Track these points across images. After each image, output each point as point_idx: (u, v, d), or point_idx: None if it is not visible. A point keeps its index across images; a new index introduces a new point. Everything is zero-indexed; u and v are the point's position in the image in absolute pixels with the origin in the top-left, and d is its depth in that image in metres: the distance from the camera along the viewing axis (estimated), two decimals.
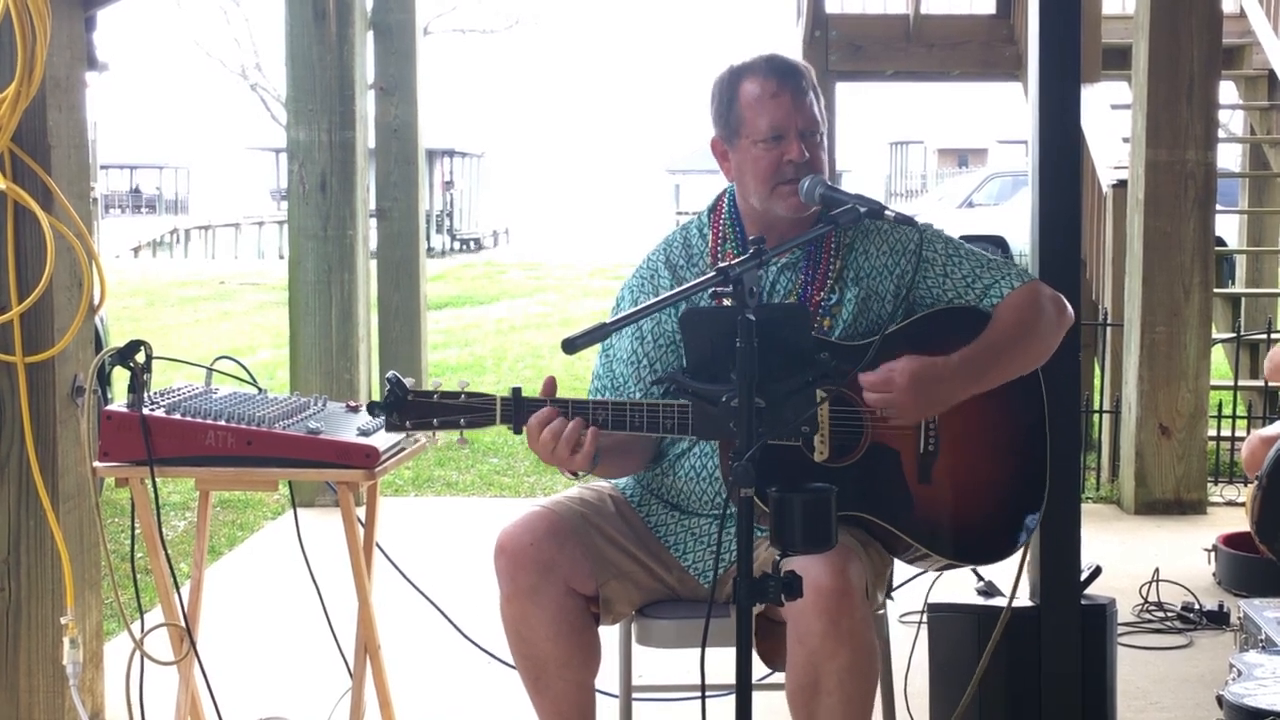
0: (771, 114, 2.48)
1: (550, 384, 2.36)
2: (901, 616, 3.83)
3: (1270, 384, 4.76)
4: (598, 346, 2.22)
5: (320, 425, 2.75)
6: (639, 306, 2.25)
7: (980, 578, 3.14)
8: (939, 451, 2.49)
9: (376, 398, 2.36)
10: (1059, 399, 2.62)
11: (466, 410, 2.32)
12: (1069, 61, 2.99)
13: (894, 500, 2.47)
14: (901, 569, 2.73)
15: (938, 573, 2.66)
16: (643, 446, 2.56)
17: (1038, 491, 2.58)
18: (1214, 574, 4.63)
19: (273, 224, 34.93)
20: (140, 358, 2.72)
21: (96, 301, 3.04)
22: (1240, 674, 2.99)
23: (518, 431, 2.34)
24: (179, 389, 2.88)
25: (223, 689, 3.12)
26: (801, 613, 2.28)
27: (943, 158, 42.97)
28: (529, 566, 2.44)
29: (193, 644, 2.91)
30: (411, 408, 2.32)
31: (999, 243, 14.38)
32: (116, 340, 3.42)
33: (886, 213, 2.38)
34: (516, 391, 2.34)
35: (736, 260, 2.17)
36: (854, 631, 2.27)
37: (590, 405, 2.34)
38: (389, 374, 2.34)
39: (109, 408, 2.71)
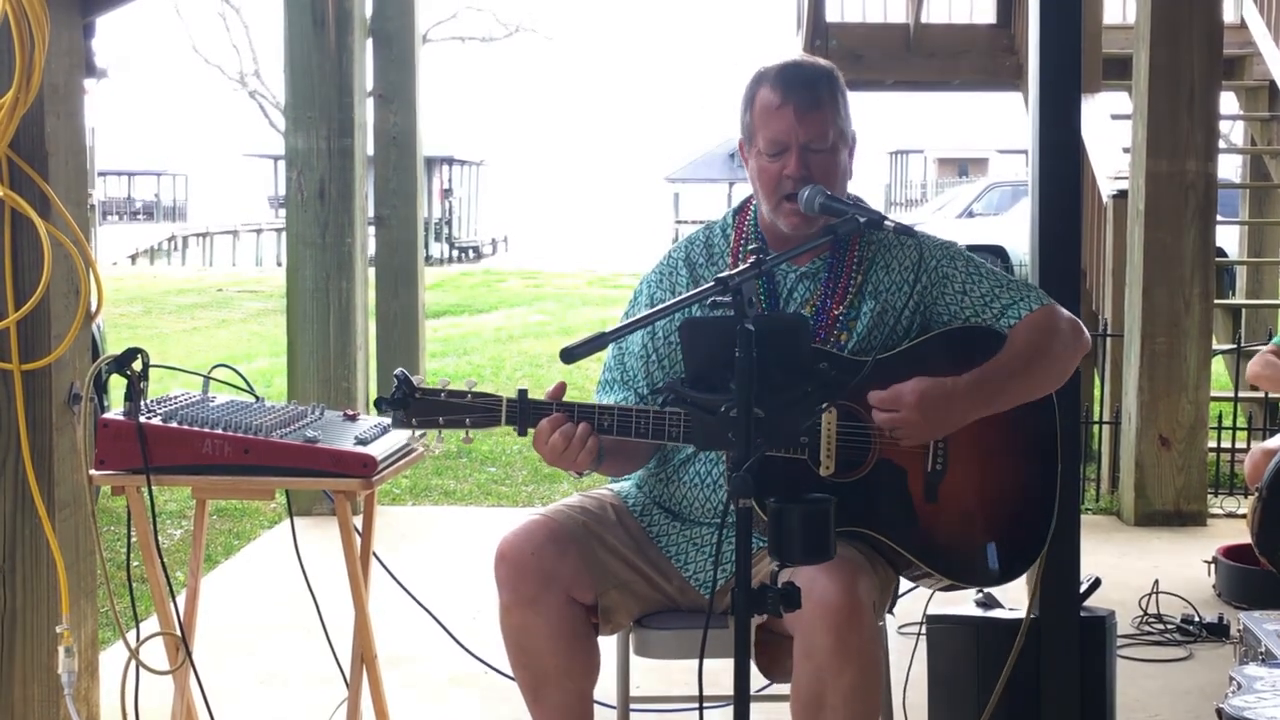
0: (774, 128, 2.47)
1: (560, 388, 2.36)
2: (900, 628, 3.82)
3: (1270, 395, 4.74)
4: None
5: (318, 434, 2.73)
6: (637, 316, 2.25)
7: (979, 589, 3.13)
8: (947, 470, 2.47)
9: (381, 399, 2.35)
10: (1060, 410, 2.60)
11: (472, 410, 2.32)
12: (1069, 71, 2.98)
13: (899, 518, 2.45)
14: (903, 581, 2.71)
15: (941, 591, 2.64)
16: (645, 447, 2.55)
17: (1046, 515, 2.55)
18: (1214, 586, 4.62)
19: (271, 231, 34.96)
20: (137, 365, 2.71)
21: (93, 309, 3.03)
22: (1240, 687, 2.98)
23: (522, 433, 2.34)
24: (176, 397, 2.87)
25: (218, 699, 3.10)
26: (809, 628, 2.26)
27: (943, 167, 43.05)
28: (530, 576, 2.43)
29: (188, 653, 2.89)
30: (418, 405, 2.31)
31: (999, 253, 14.40)
32: (113, 348, 3.41)
33: (886, 223, 2.37)
34: (522, 393, 2.34)
35: (735, 270, 2.16)
36: (862, 650, 2.26)
37: (596, 410, 2.34)
38: (397, 371, 2.33)
39: (105, 416, 2.70)
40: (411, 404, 2.31)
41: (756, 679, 2.30)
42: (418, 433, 2.53)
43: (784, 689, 2.42)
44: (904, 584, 2.66)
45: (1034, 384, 2.49)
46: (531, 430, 2.34)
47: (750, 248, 2.47)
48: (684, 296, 2.21)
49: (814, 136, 2.46)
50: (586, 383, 9.64)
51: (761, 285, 2.54)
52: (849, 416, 2.42)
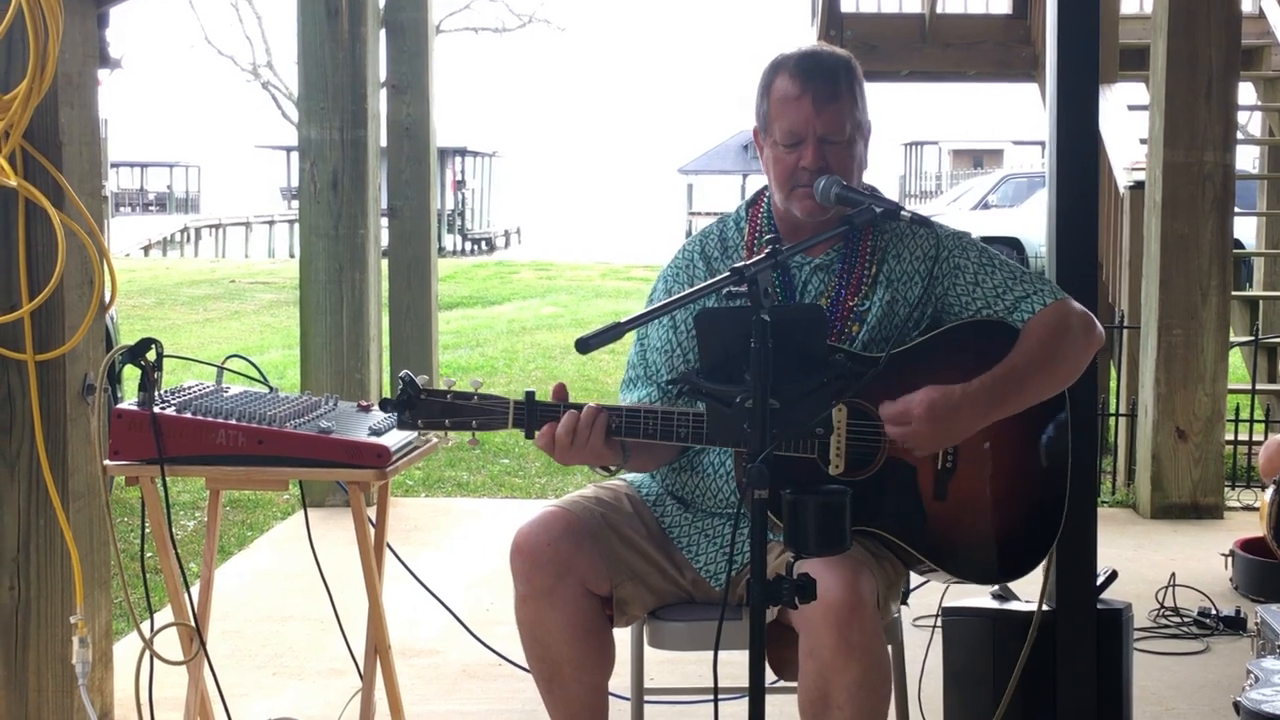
0: (791, 118, 2.44)
1: (560, 390, 2.34)
2: (915, 620, 3.81)
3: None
4: (630, 334, 2.20)
5: (331, 425, 2.73)
6: (652, 307, 2.24)
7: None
8: (956, 469, 2.45)
9: (389, 396, 2.35)
10: (1075, 402, 2.59)
11: (479, 412, 2.31)
12: (1087, 62, 2.96)
13: (908, 516, 2.44)
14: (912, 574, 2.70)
15: (955, 584, 2.63)
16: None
17: (1056, 513, 2.53)
18: (1231, 579, 4.60)
19: (283, 222, 35.04)
20: (151, 356, 2.71)
21: (107, 300, 3.03)
22: (1257, 680, 2.97)
23: (529, 436, 2.32)
24: (190, 388, 2.87)
25: (232, 690, 3.11)
26: (812, 626, 2.26)
27: (957, 159, 42.95)
28: (546, 567, 2.42)
29: (202, 644, 2.90)
30: (424, 407, 2.31)
31: (1014, 244, 14.37)
32: (126, 339, 3.41)
33: (903, 213, 2.35)
34: (530, 396, 2.33)
35: (751, 260, 2.15)
36: (865, 646, 2.25)
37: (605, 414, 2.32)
38: (402, 373, 2.32)
39: (120, 406, 2.70)
40: (417, 405, 2.30)
41: (769, 672, 2.29)
42: (424, 435, 2.52)
43: (796, 690, 2.41)
44: (917, 578, 2.65)
45: (1046, 384, 2.47)
46: (538, 433, 2.32)
47: (766, 238, 2.46)
48: (700, 287, 2.19)
49: (831, 129, 2.44)
50: (599, 374, 9.65)
51: (777, 278, 2.52)
52: (859, 414, 2.41)
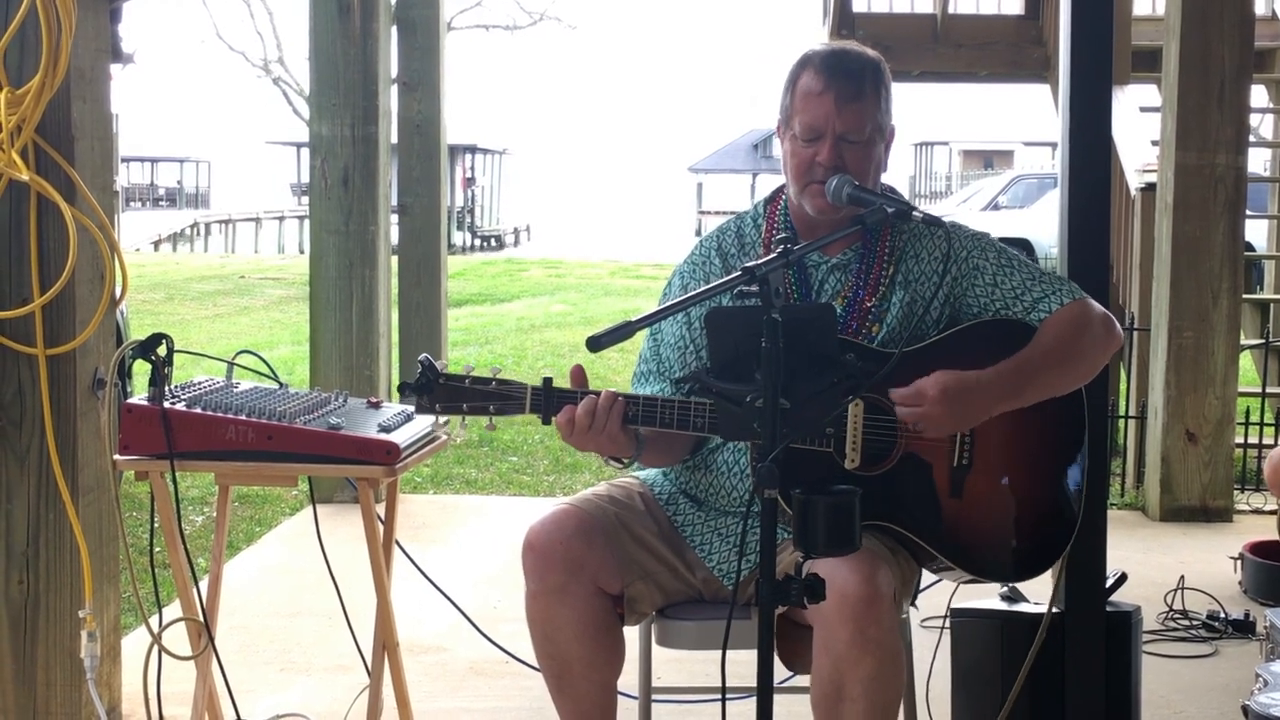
0: (812, 113, 2.45)
1: (579, 374, 2.34)
2: (924, 621, 3.80)
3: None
4: (640, 332, 2.19)
5: (341, 421, 2.73)
6: (662, 305, 2.23)
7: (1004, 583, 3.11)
8: (972, 466, 2.45)
9: (407, 380, 2.34)
10: (1087, 404, 2.58)
11: (497, 397, 2.31)
12: (1100, 63, 2.96)
13: (923, 512, 2.44)
14: (925, 573, 2.70)
15: (965, 584, 2.63)
16: (684, 437, 2.52)
17: (1071, 514, 2.53)
18: (1240, 582, 4.58)
19: (293, 218, 35.08)
20: (161, 351, 2.71)
21: (118, 295, 3.03)
22: (1266, 684, 2.96)
23: (546, 421, 2.32)
24: (200, 383, 2.87)
25: (240, 685, 3.11)
26: (828, 619, 2.25)
27: (968, 159, 42.91)
28: (557, 565, 2.42)
29: (210, 639, 2.90)
30: (442, 391, 2.30)
31: (1025, 245, 14.32)
32: (136, 334, 3.42)
33: (915, 214, 2.35)
34: (547, 381, 2.32)
35: (762, 259, 2.15)
36: (881, 640, 2.25)
37: (623, 399, 2.32)
38: (421, 356, 2.32)
39: (130, 401, 2.71)
40: (435, 389, 2.30)
41: (779, 670, 2.29)
42: (441, 419, 2.52)
43: (806, 681, 2.41)
44: (927, 576, 2.65)
45: (1061, 378, 2.46)
46: (555, 419, 2.32)
47: (779, 238, 2.46)
48: (711, 285, 2.19)
49: (851, 128, 2.44)
50: (608, 372, 9.65)
51: (794, 276, 2.52)
52: (875, 410, 2.40)
